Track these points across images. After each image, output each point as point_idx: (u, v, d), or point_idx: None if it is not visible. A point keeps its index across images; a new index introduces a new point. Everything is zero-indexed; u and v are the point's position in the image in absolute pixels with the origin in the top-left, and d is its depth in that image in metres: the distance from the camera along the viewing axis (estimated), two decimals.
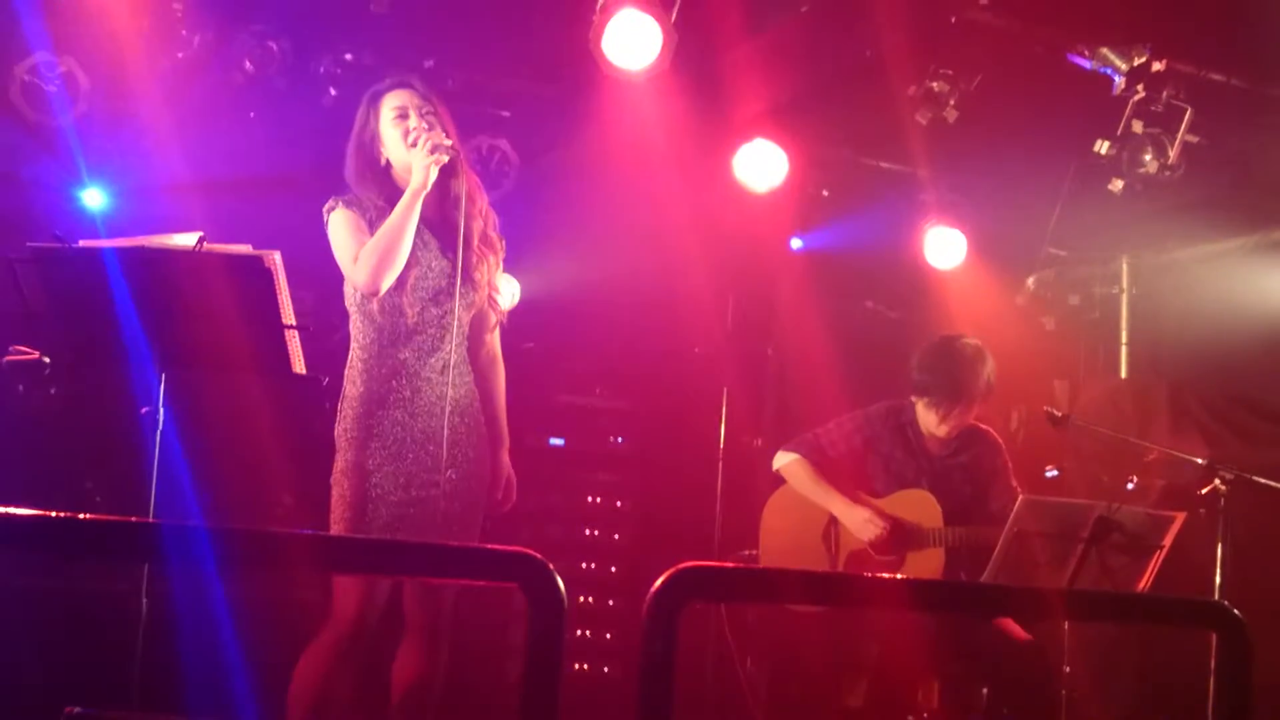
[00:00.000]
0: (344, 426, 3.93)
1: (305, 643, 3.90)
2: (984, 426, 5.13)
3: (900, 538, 4.90)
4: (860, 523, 4.90)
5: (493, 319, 4.18)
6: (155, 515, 3.50)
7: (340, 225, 3.94)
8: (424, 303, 3.93)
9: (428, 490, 3.88)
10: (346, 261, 3.89)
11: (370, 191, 3.98)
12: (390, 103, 4.01)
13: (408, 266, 3.88)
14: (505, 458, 4.19)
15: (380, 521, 3.85)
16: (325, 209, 3.97)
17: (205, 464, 4.26)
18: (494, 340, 4.22)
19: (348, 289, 3.98)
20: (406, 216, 3.82)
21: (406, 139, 3.94)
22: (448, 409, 3.90)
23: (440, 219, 4.01)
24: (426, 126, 3.95)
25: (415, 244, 3.90)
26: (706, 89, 5.64)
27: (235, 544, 1.96)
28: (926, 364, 5.00)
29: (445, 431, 3.89)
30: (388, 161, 4.00)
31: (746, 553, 5.36)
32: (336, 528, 3.87)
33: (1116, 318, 7.06)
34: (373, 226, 3.92)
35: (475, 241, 4.03)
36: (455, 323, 3.92)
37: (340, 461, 3.93)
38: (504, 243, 4.19)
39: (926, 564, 4.85)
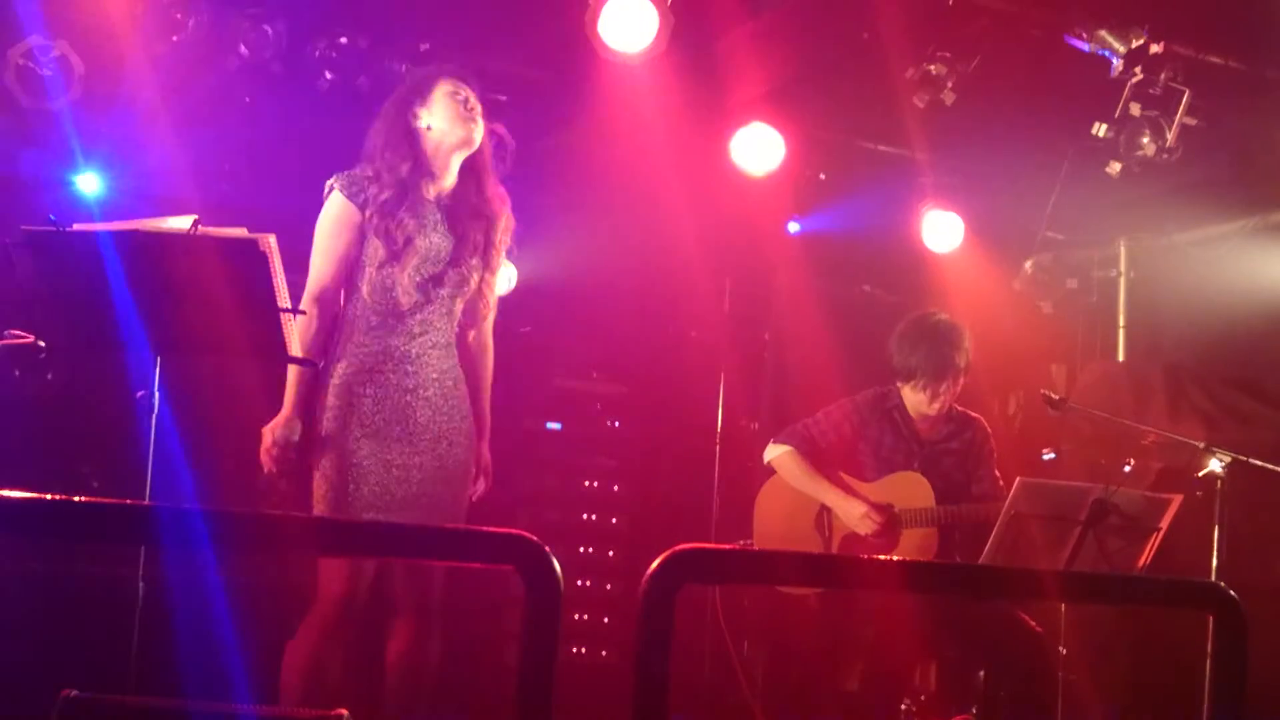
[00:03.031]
0: (327, 402, 3.93)
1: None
2: (974, 414, 5.13)
3: (895, 524, 4.90)
4: (856, 518, 4.89)
5: (484, 308, 4.17)
6: (151, 499, 3.49)
7: (328, 216, 3.96)
8: (419, 286, 3.94)
9: (409, 471, 3.89)
10: (314, 258, 3.92)
11: (396, 157, 3.95)
12: (447, 85, 4.02)
13: (409, 252, 3.90)
14: (484, 448, 4.18)
15: (362, 501, 3.85)
16: (326, 186, 3.99)
17: (201, 448, 4.26)
18: (486, 329, 4.22)
19: None
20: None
21: (461, 112, 3.98)
22: (430, 391, 3.93)
23: (452, 206, 4.03)
24: (479, 126, 4.02)
25: (420, 227, 3.94)
26: (703, 72, 5.63)
27: (231, 527, 1.96)
28: (906, 346, 4.98)
29: (427, 412, 3.92)
30: (428, 126, 4.00)
31: (741, 541, 5.36)
32: (319, 506, 3.88)
33: (1114, 301, 7.06)
34: (367, 207, 3.93)
35: (476, 236, 4.06)
36: (409, 301, 3.95)
37: (320, 437, 3.93)
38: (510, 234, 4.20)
39: (920, 545, 4.85)
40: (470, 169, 4.09)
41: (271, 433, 3.87)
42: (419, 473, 3.91)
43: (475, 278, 4.06)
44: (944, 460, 5.02)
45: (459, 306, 4.07)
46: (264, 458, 3.87)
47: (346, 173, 3.99)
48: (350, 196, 3.94)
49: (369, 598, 3.95)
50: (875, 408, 5.07)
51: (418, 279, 3.93)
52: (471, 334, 4.17)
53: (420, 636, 3.98)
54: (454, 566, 4.20)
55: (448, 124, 3.99)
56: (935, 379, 4.91)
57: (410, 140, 3.99)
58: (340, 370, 3.92)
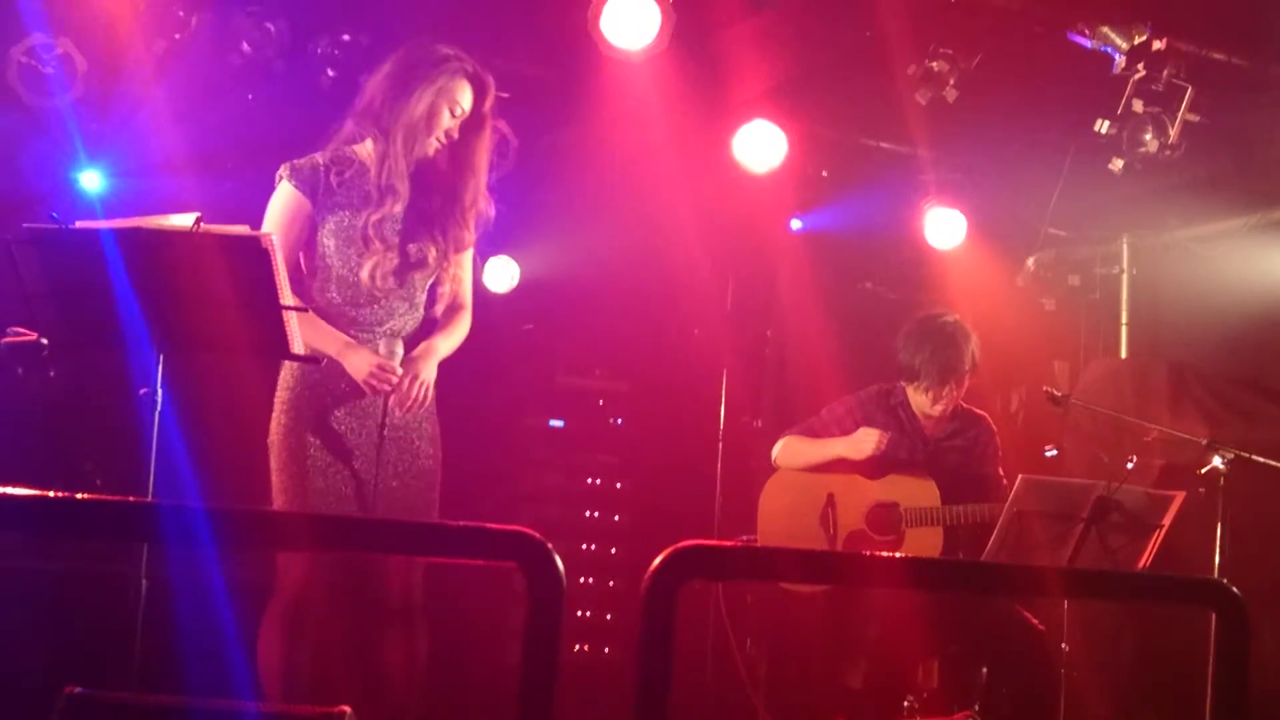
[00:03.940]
0: (284, 386, 3.93)
1: (323, 623, 3.92)
2: (979, 411, 5.13)
3: (897, 517, 4.90)
4: (870, 446, 4.86)
5: (451, 284, 4.10)
6: (154, 496, 3.49)
7: (275, 207, 3.93)
8: (371, 274, 3.91)
9: (369, 464, 3.87)
10: None
11: (396, 143, 3.90)
12: (454, 86, 3.95)
13: (366, 242, 3.89)
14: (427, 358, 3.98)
15: (317, 491, 3.84)
16: (277, 175, 3.96)
17: (204, 445, 4.26)
18: (454, 307, 4.13)
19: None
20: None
21: (433, 127, 3.92)
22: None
23: (411, 192, 3.97)
24: (453, 137, 3.95)
25: (378, 216, 3.91)
26: (705, 69, 5.62)
27: (234, 524, 1.96)
28: (910, 347, 4.97)
29: (388, 403, 3.87)
30: (427, 124, 3.94)
31: (744, 538, 5.36)
32: (277, 496, 3.87)
33: (1117, 298, 7.05)
34: (320, 195, 3.90)
35: (434, 218, 4.02)
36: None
37: (276, 426, 3.93)
38: (479, 224, 4.15)
39: (925, 543, 4.85)
40: (443, 159, 4.03)
41: (373, 368, 3.80)
42: (378, 467, 3.88)
43: (432, 255, 4.00)
44: (948, 457, 5.02)
45: (421, 289, 4.03)
46: (375, 383, 3.81)
47: (294, 162, 3.96)
48: (299, 186, 3.93)
49: (342, 594, 3.93)
50: (880, 404, 5.07)
51: (372, 266, 3.90)
52: (437, 309, 4.10)
53: (404, 636, 3.96)
54: (449, 564, 4.18)
55: (419, 128, 3.91)
56: (938, 381, 4.91)
57: (405, 115, 3.90)
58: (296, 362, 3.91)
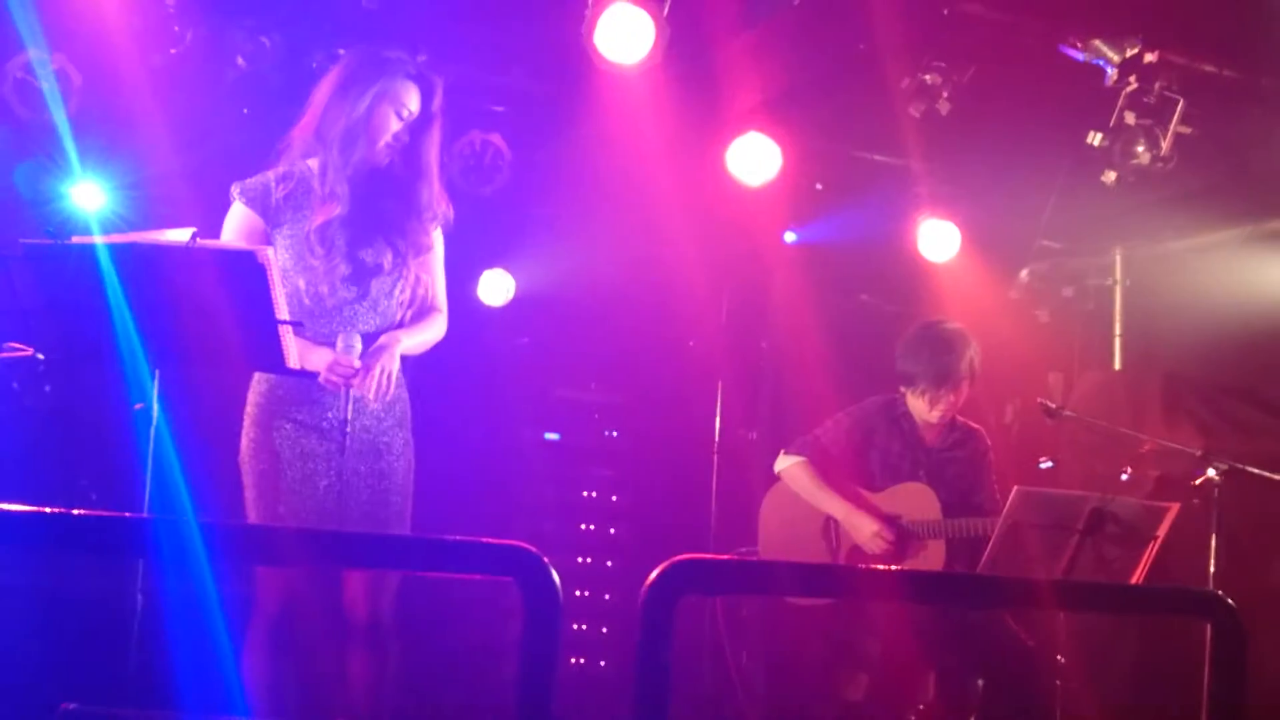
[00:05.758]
0: (252, 401, 3.92)
1: (302, 638, 3.91)
2: (974, 425, 5.14)
3: (903, 540, 4.89)
4: (867, 536, 4.88)
5: (419, 289, 4.07)
6: (149, 511, 3.49)
7: (229, 226, 3.93)
8: (331, 285, 3.90)
9: (333, 477, 3.84)
10: None
11: (334, 150, 3.89)
12: (398, 89, 3.94)
13: (321, 254, 3.87)
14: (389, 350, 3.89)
15: (288, 505, 3.83)
16: (230, 195, 3.94)
17: (199, 460, 4.26)
18: (425, 310, 4.09)
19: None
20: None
21: (384, 135, 3.91)
22: (354, 394, 3.82)
23: (365, 202, 3.95)
24: (403, 140, 3.94)
25: (330, 223, 3.89)
26: (699, 83, 5.64)
27: (229, 539, 1.96)
28: (909, 352, 5.00)
29: (354, 412, 3.83)
30: (369, 129, 3.93)
31: (744, 549, 5.36)
32: (250, 512, 3.87)
33: (1110, 309, 7.07)
34: (271, 213, 3.90)
35: (399, 229, 4.00)
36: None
37: (246, 441, 3.92)
38: (446, 216, 4.13)
39: (928, 556, 4.85)
40: (396, 164, 4.00)
41: (329, 363, 3.77)
42: (341, 476, 3.84)
43: (388, 260, 3.96)
44: (948, 469, 5.03)
45: (383, 295, 3.97)
46: (333, 376, 3.77)
47: (244, 181, 3.95)
48: (250, 204, 3.92)
49: (321, 610, 3.91)
50: (884, 414, 5.08)
51: (323, 274, 3.88)
52: (407, 314, 4.04)
53: (373, 654, 3.92)
54: (445, 578, 4.17)
55: (358, 132, 3.89)
56: (935, 386, 4.93)
57: (353, 131, 3.89)
58: (262, 375, 3.90)
